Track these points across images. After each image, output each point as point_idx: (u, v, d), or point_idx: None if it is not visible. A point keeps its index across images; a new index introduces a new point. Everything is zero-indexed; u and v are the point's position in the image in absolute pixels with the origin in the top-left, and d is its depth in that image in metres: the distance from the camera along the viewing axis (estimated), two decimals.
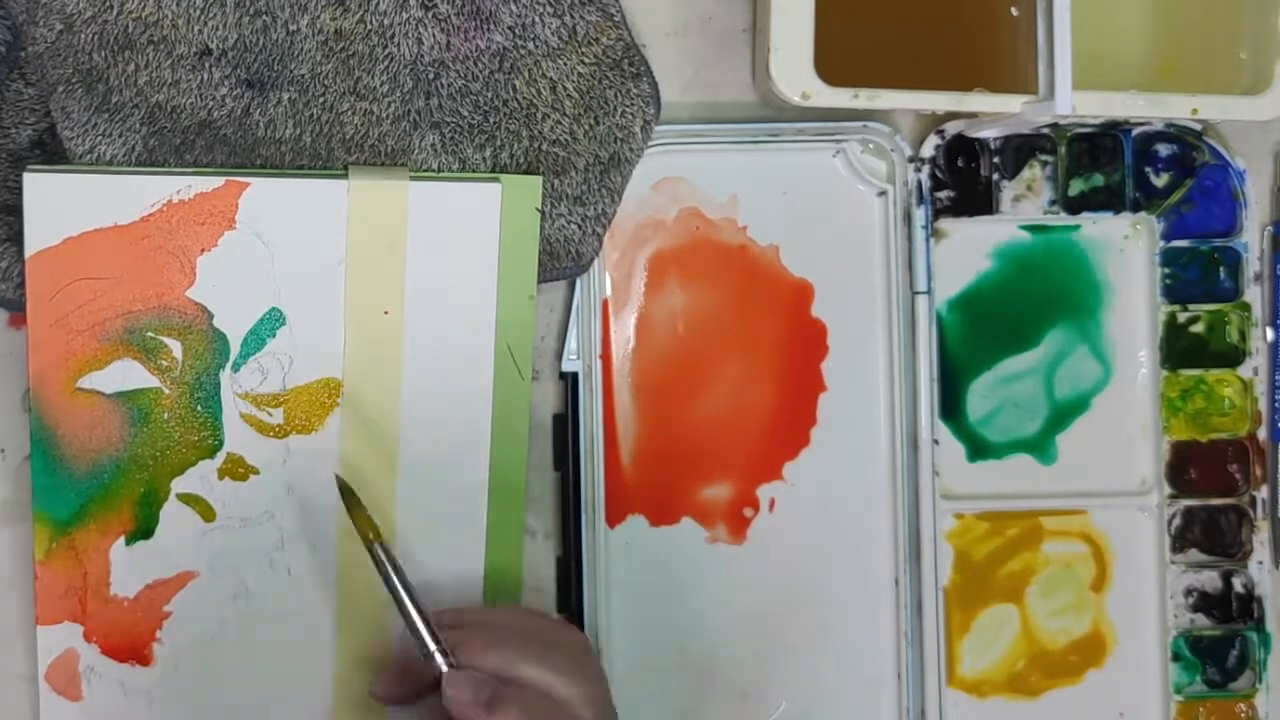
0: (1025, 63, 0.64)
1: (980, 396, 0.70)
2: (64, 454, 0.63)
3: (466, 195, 0.64)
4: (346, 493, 0.60)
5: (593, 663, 0.61)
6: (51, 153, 0.64)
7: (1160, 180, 0.69)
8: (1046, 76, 0.62)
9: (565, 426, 0.67)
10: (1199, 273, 0.70)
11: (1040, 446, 0.70)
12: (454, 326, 0.65)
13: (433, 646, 0.57)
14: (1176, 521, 0.70)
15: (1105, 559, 0.70)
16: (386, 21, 0.64)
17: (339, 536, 0.65)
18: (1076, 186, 0.69)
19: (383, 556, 0.59)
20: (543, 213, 0.65)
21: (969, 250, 0.70)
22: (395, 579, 0.58)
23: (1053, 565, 0.70)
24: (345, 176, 0.63)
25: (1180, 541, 0.70)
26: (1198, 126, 0.69)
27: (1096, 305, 0.70)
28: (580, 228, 0.66)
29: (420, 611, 0.58)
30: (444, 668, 0.57)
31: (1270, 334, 0.70)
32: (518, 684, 0.56)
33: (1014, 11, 0.65)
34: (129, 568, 0.64)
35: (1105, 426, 0.70)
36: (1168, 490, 0.70)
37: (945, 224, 0.69)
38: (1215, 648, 0.70)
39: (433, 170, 0.65)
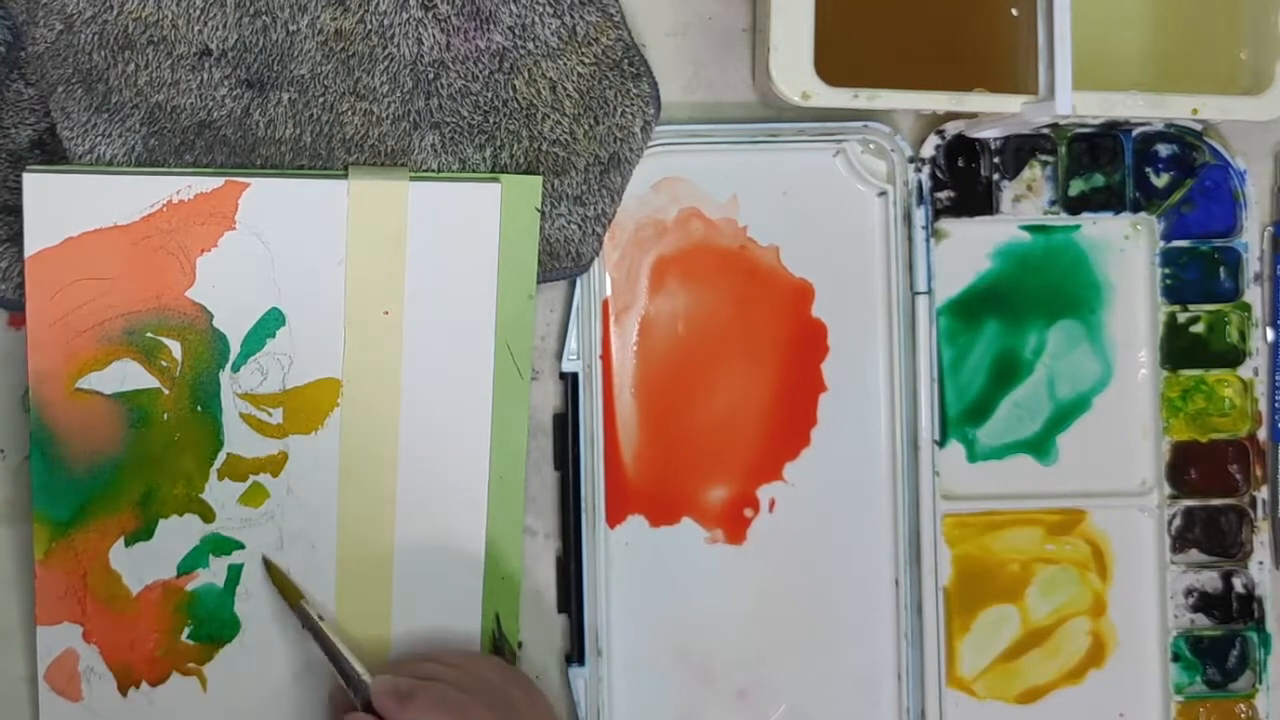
0: (1025, 63, 0.64)
1: None
2: (64, 454, 0.63)
3: (466, 195, 0.64)
4: (269, 566, 0.65)
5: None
6: (51, 153, 0.64)
7: (1160, 180, 0.69)
8: (1046, 76, 0.62)
9: (565, 426, 0.67)
10: (1199, 273, 0.70)
11: (1040, 446, 0.70)
12: (454, 326, 0.65)
13: (360, 669, 0.61)
14: (1176, 522, 0.70)
15: (1105, 559, 0.70)
16: (386, 22, 0.64)
17: (339, 536, 0.65)
18: (1077, 187, 0.69)
19: (314, 617, 0.63)
20: (542, 213, 0.65)
21: (969, 250, 0.70)
22: (327, 633, 0.63)
23: (1053, 565, 0.70)
24: (345, 177, 0.63)
25: (1180, 542, 0.70)
26: (1198, 126, 0.69)
27: (1096, 305, 0.70)
28: (580, 228, 0.66)
29: (344, 652, 0.62)
30: (367, 678, 0.61)
31: (1270, 334, 0.70)
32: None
33: (1014, 11, 0.65)
34: (129, 568, 0.64)
35: (1105, 427, 0.70)
36: (1168, 490, 0.70)
37: (945, 224, 0.69)
38: (1215, 648, 0.70)
39: (433, 170, 0.65)
